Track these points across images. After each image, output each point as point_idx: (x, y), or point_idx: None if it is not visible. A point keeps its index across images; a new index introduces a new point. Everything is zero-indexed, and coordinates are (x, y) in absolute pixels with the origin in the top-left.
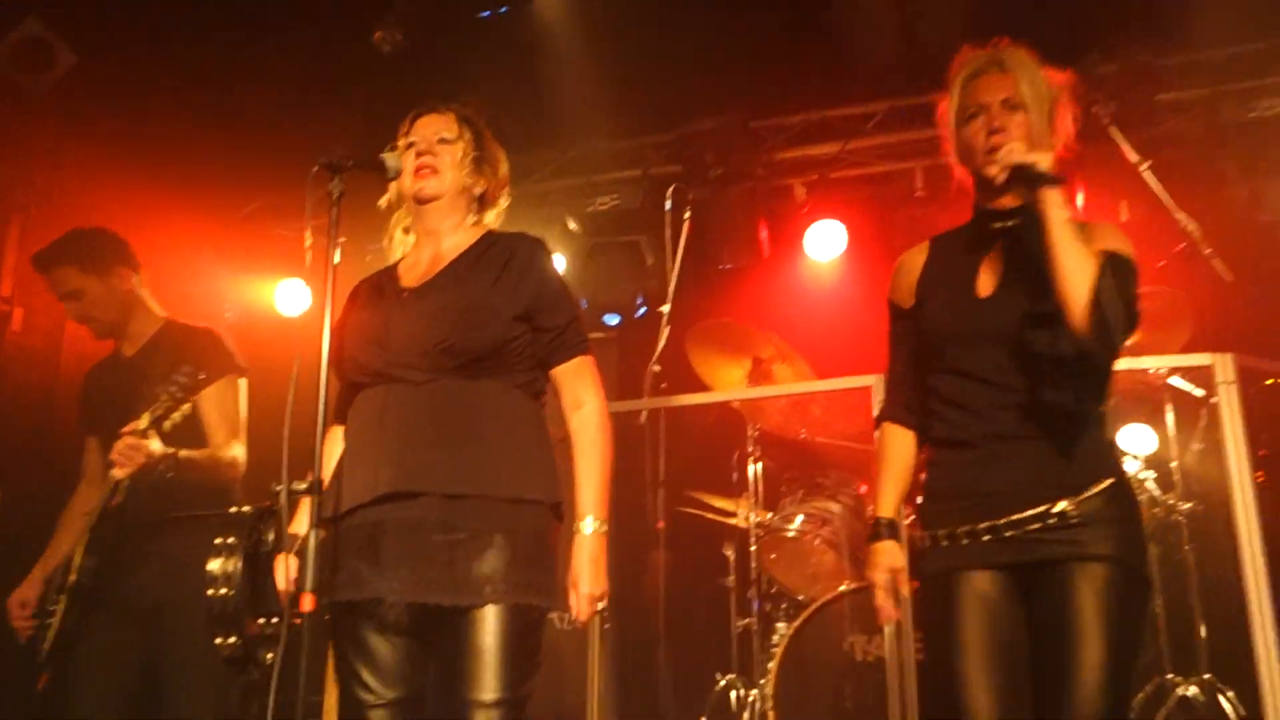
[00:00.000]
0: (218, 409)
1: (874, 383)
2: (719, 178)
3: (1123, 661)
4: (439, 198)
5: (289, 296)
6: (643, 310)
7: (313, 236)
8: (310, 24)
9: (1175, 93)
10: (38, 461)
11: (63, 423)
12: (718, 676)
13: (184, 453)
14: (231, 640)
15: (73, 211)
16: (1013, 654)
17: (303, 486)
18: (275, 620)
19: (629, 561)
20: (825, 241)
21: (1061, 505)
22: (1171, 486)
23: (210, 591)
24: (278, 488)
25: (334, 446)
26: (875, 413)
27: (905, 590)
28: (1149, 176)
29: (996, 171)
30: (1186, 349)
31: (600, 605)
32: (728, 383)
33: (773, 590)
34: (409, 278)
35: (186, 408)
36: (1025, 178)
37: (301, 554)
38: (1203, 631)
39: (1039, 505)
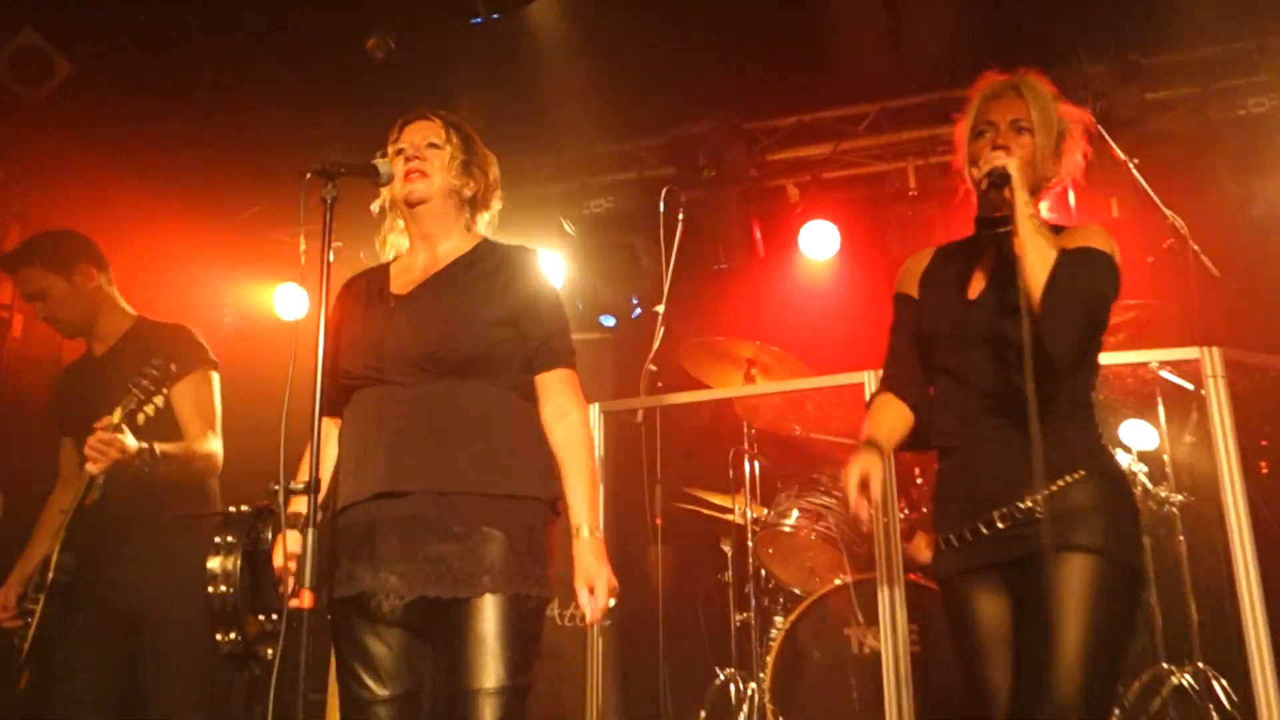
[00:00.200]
0: (191, 402)
1: (867, 379)
2: (712, 179)
3: (1102, 647)
4: (428, 200)
5: (288, 300)
6: (638, 311)
7: (307, 241)
8: (304, 32)
9: (1163, 91)
10: (39, 468)
11: None
12: (717, 671)
13: (159, 446)
14: (232, 636)
15: (71, 219)
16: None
17: (300, 486)
18: (275, 617)
19: (628, 558)
20: (819, 241)
21: (1027, 501)
22: (1164, 479)
23: (210, 589)
24: (275, 487)
25: (329, 446)
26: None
27: (877, 493)
28: (1135, 174)
29: (979, 176)
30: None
31: (612, 601)
32: (724, 385)
33: (770, 585)
34: (401, 283)
35: (159, 400)
36: (996, 180)
37: (300, 555)
38: (1195, 621)
39: (1008, 503)
